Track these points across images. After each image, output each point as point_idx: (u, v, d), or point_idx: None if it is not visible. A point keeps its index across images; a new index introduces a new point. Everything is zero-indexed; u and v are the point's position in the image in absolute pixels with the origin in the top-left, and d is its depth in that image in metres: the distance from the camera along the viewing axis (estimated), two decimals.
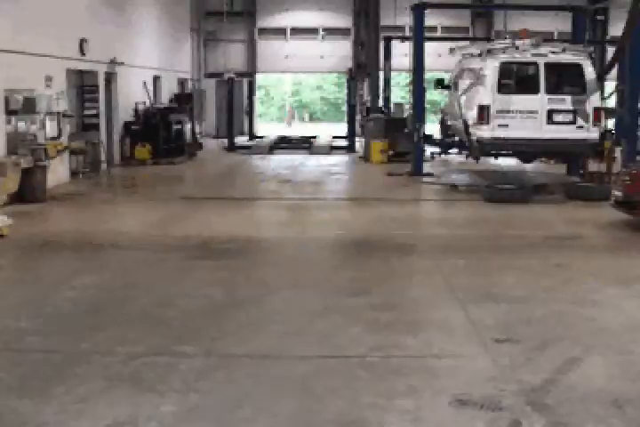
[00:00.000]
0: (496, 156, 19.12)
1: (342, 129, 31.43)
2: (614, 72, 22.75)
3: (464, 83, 19.09)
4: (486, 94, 16.79)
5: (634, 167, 14.11)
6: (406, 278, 9.53)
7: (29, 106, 16.10)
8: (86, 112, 21.08)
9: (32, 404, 5.63)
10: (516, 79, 17.28)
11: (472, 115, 17.26)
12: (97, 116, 21.14)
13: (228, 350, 6.81)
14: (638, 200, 12.81)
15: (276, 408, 5.58)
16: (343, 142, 29.03)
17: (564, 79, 17.11)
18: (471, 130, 17.37)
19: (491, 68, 16.88)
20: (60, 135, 17.59)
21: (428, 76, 26.82)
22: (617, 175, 14.44)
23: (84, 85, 21.00)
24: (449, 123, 21.28)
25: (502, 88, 16.75)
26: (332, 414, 5.49)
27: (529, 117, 16.51)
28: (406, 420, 5.42)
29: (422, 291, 8.96)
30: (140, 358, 6.55)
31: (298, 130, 41.10)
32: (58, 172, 17.59)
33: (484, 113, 16.60)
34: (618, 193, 13.43)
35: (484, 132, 16.66)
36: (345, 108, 33.40)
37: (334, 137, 31.87)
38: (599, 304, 8.31)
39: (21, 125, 15.94)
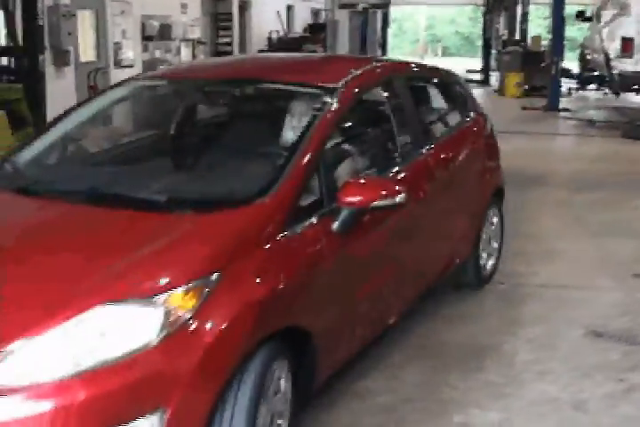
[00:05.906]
0: (638, 91, 18.31)
1: (476, 64, 30.79)
2: None
3: (607, 14, 18.35)
4: (631, 26, 16.08)
5: None
6: (537, 209, 9.27)
7: (165, 32, 16.32)
8: (220, 40, 21.20)
9: None
10: None
11: (614, 47, 16.62)
12: (230, 44, 21.23)
13: None
14: None
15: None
16: (477, 76, 28.42)
17: None
18: (613, 63, 16.72)
19: None
20: None
21: (567, 10, 26.01)
22: None
23: (218, 13, 21.08)
24: (589, 57, 20.58)
25: None
26: (463, 338, 5.41)
27: None
28: (538, 347, 5.30)
29: (555, 223, 8.75)
30: None
31: (430, 63, 40.43)
32: None
33: (627, 45, 15.92)
34: None
35: (627, 65, 16.00)
36: (479, 42, 32.60)
37: (468, 71, 31.23)
38: None
39: (157, 52, 16.15)
